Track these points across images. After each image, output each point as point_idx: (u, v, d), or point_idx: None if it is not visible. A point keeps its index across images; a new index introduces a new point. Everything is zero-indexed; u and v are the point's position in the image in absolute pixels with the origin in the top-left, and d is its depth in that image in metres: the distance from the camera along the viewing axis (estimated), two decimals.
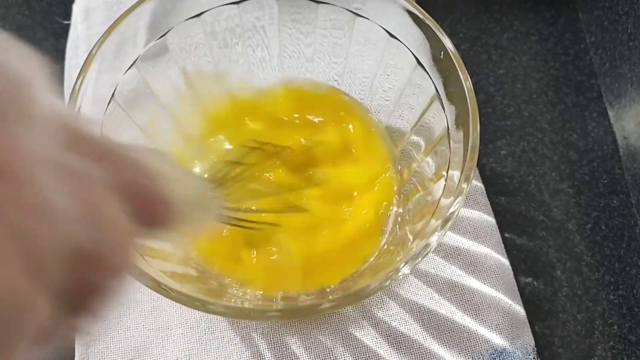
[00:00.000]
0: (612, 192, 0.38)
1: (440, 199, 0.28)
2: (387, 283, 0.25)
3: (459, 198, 0.27)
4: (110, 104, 0.30)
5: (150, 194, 0.17)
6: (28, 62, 0.13)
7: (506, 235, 0.37)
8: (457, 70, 0.29)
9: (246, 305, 0.28)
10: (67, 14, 0.43)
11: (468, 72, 0.41)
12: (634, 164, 0.37)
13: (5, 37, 0.13)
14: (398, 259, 0.28)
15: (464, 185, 0.27)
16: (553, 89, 0.41)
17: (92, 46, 0.29)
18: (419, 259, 0.26)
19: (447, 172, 0.29)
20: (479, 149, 0.39)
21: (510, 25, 0.44)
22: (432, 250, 0.26)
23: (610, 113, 0.40)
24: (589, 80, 0.42)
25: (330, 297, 0.25)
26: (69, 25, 0.42)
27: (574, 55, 0.43)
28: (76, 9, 0.43)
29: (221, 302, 0.25)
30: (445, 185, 0.29)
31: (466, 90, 0.28)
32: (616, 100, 0.39)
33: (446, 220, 0.26)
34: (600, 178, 0.38)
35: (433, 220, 0.28)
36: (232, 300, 0.30)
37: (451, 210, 0.27)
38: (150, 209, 0.16)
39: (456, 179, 0.28)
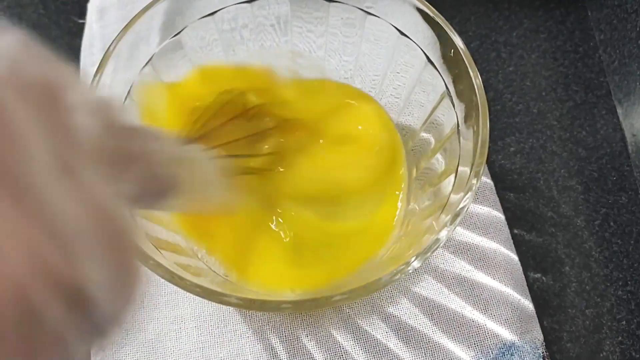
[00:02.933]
0: (620, 189, 0.38)
1: (450, 194, 0.29)
2: (398, 277, 0.26)
3: (469, 194, 0.27)
4: (126, 101, 0.31)
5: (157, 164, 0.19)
6: (58, 69, 0.14)
7: (515, 231, 0.37)
8: (467, 67, 0.29)
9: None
10: (82, 13, 0.44)
11: (477, 69, 0.41)
12: None
13: (36, 47, 0.14)
14: (409, 253, 0.28)
15: (474, 181, 0.27)
16: (562, 86, 0.42)
17: (107, 44, 0.30)
18: (429, 254, 0.26)
19: (457, 169, 0.29)
20: (489, 146, 0.40)
21: (520, 23, 0.44)
22: (441, 245, 0.27)
23: (619, 110, 0.40)
24: (597, 78, 0.42)
25: (342, 289, 0.26)
26: (83, 24, 0.43)
27: (583, 53, 0.43)
28: (91, 8, 0.43)
29: (234, 294, 0.26)
30: (455, 181, 0.29)
31: (476, 88, 0.29)
32: (625, 98, 0.40)
33: (456, 216, 0.27)
34: (608, 175, 0.39)
35: (443, 216, 0.28)
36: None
37: (461, 205, 0.27)
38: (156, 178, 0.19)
39: (466, 175, 0.28)
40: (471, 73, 0.29)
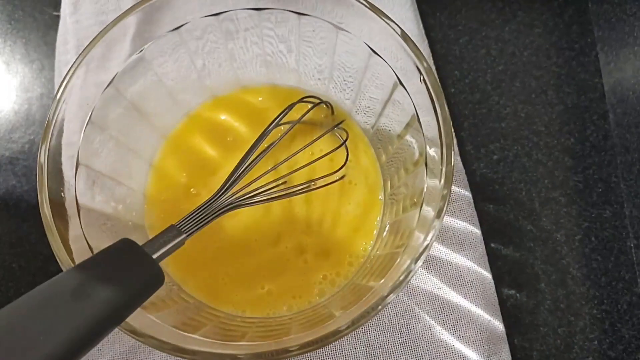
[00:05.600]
0: (605, 202, 0.37)
1: (415, 230, 0.28)
2: (354, 327, 0.25)
3: (431, 233, 0.26)
4: (89, 124, 0.30)
5: None
6: None
7: (492, 245, 0.36)
8: (433, 99, 0.27)
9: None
10: (57, 5, 0.43)
11: (465, 68, 0.39)
12: (630, 174, 0.36)
13: None
14: (378, 283, 0.28)
15: (436, 223, 0.26)
16: (553, 87, 0.40)
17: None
18: (401, 287, 0.25)
19: (422, 204, 0.28)
20: (471, 153, 0.38)
21: (514, 15, 0.42)
22: (409, 281, 0.26)
23: (611, 116, 0.39)
24: (592, 79, 0.40)
25: (297, 342, 0.26)
26: (58, 16, 0.42)
27: (579, 50, 0.41)
28: (65, 0, 0.42)
29: (175, 344, 0.26)
30: (419, 217, 0.28)
31: (441, 120, 0.27)
32: (618, 104, 0.38)
33: (420, 255, 0.26)
34: (594, 186, 0.37)
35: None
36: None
37: (425, 243, 0.26)
38: None
39: (430, 215, 0.27)
40: (437, 107, 0.27)
